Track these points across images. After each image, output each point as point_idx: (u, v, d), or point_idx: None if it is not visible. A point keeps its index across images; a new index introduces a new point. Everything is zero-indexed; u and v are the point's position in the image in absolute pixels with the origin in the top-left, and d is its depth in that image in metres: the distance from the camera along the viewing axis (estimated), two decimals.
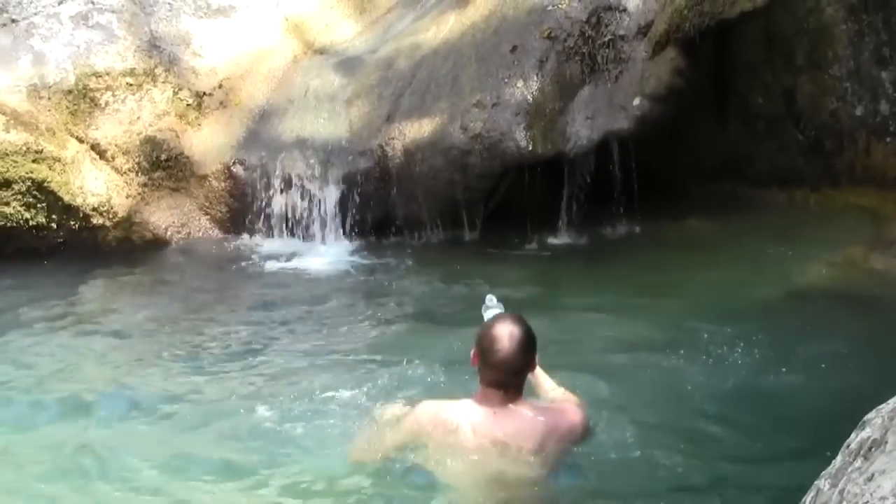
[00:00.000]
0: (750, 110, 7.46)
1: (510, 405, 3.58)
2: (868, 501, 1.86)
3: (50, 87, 7.57)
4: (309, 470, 3.97)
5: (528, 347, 3.59)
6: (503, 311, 3.97)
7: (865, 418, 2.16)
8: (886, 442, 2.00)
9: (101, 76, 7.75)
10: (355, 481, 3.82)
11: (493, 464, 3.58)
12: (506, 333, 3.55)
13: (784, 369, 4.83)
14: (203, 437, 4.40)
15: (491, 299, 4.05)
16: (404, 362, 4.74)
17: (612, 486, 3.77)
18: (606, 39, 7.53)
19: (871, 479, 1.91)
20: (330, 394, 4.66)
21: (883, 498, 1.83)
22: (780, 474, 3.68)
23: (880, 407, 2.15)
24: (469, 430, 3.60)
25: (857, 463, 2.02)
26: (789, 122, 7.27)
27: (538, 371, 3.88)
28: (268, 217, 7.77)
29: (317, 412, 4.46)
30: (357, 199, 7.66)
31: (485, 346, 3.56)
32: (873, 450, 2.01)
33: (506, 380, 3.58)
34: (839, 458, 2.12)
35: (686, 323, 5.60)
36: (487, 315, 3.94)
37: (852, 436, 2.15)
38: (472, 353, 3.67)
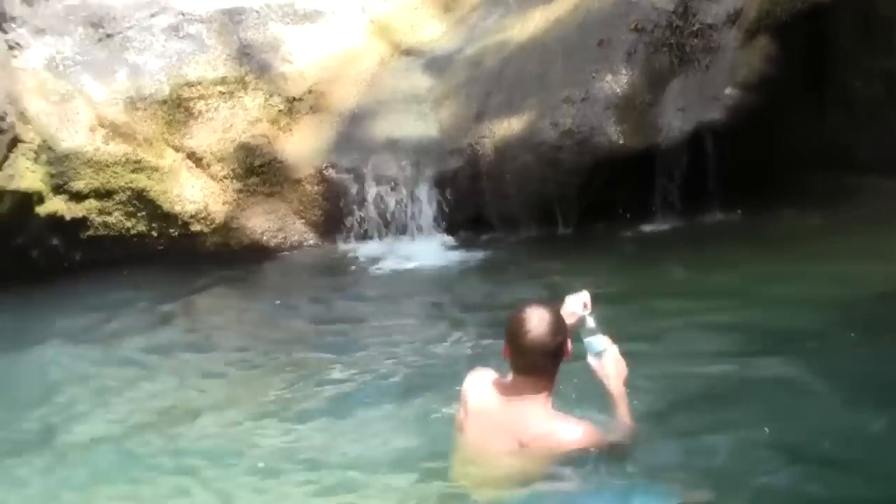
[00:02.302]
0: (848, 96, 7.35)
1: (530, 399, 3.50)
2: None
3: (146, 99, 7.75)
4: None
5: (557, 330, 3.49)
6: (602, 332, 3.76)
7: None
8: None
9: (193, 86, 7.91)
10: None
11: (483, 446, 3.55)
12: (534, 315, 3.48)
13: (881, 374, 4.43)
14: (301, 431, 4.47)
15: (590, 321, 3.81)
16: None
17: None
18: (695, 29, 7.52)
19: None
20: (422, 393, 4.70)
21: None
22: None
23: None
24: (478, 405, 3.59)
25: None
26: (891, 107, 7.10)
27: (613, 381, 3.69)
28: (362, 219, 7.83)
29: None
30: (450, 197, 7.70)
31: (513, 328, 3.49)
32: None
33: (534, 363, 3.50)
34: None
35: (784, 318, 5.33)
36: (589, 339, 3.72)
37: None
38: (504, 347, 3.59)
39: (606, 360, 3.66)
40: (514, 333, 3.50)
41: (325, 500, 3.86)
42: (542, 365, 3.52)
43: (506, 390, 3.59)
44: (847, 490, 3.49)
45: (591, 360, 3.60)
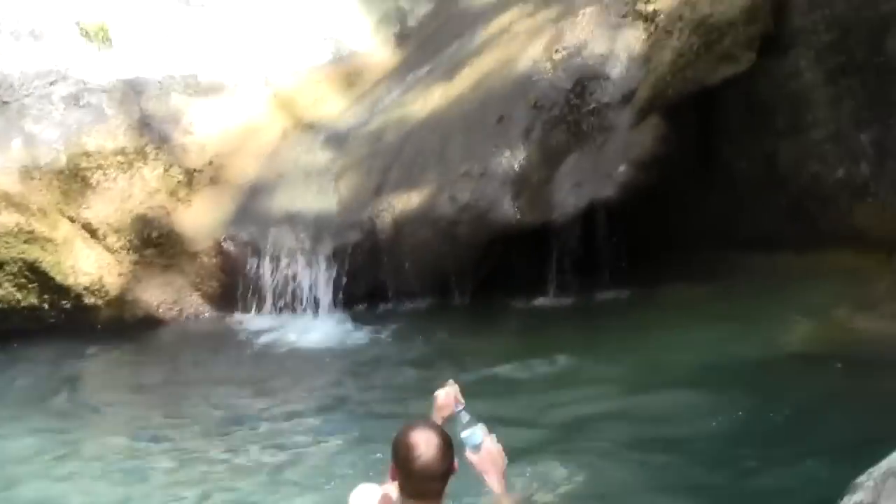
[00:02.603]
0: (733, 175, 7.48)
1: None
2: None
3: (41, 168, 7.67)
4: None
5: (446, 453, 3.37)
6: (480, 425, 3.74)
7: (857, 481, 2.15)
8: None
9: (91, 156, 7.83)
10: None
11: None
12: (422, 439, 3.35)
13: (770, 432, 4.86)
14: None
15: (464, 416, 3.82)
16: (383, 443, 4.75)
17: None
18: (591, 107, 7.58)
19: None
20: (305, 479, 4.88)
21: None
22: None
23: (871, 470, 2.14)
24: None
25: None
26: (772, 186, 7.30)
27: (494, 475, 3.68)
28: (258, 292, 7.81)
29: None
30: (347, 271, 7.67)
31: (402, 455, 3.37)
32: None
33: (426, 487, 3.40)
34: None
35: (669, 385, 5.63)
36: (465, 433, 3.70)
37: (844, 500, 2.13)
38: (389, 467, 3.49)
39: (484, 454, 3.62)
40: (403, 459, 3.38)
41: None
42: (433, 488, 3.41)
43: None
44: None
45: (469, 454, 3.58)
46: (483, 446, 3.58)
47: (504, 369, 6.31)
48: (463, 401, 3.71)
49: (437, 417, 3.74)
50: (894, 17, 6.70)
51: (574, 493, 4.48)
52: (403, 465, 3.34)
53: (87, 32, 8.16)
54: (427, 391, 5.72)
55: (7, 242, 7.47)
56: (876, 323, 6.12)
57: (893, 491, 2.04)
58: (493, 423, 4.20)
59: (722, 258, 7.21)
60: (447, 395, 3.77)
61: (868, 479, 2.12)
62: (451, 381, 3.82)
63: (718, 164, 7.55)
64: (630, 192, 7.27)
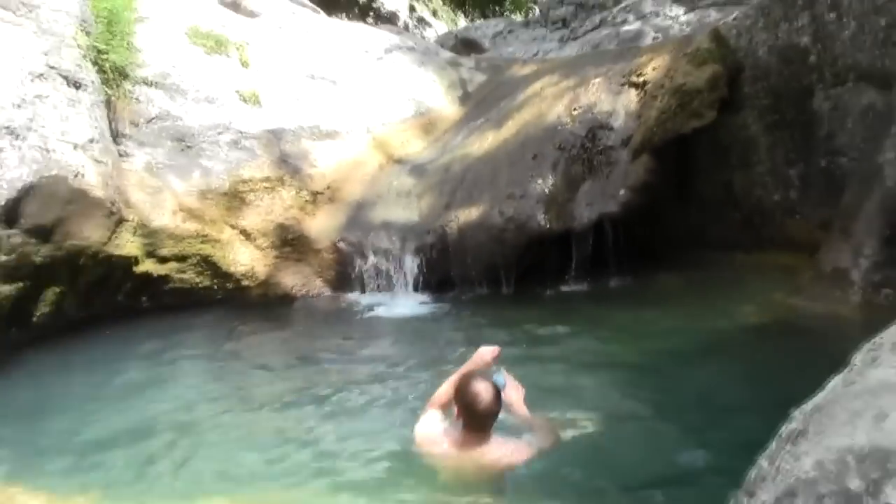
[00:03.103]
0: (702, 197, 7.87)
1: (481, 438, 3.67)
2: (796, 474, 1.89)
3: (213, 191, 8.02)
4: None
5: (498, 399, 3.65)
6: (503, 370, 3.95)
7: (792, 414, 2.20)
8: (808, 431, 2.02)
9: (247, 182, 8.19)
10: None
11: (460, 472, 3.70)
12: (482, 389, 3.62)
13: (730, 380, 5.15)
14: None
15: (496, 369, 3.99)
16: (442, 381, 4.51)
17: (578, 477, 3.82)
18: (600, 149, 8.07)
19: (797, 458, 1.94)
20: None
21: (806, 472, 1.87)
22: (731, 457, 3.19)
23: (802, 406, 2.18)
24: (448, 446, 3.73)
25: (787, 447, 2.04)
26: (729, 205, 7.67)
27: (518, 405, 3.92)
28: (362, 278, 8.09)
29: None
30: (425, 264, 7.95)
31: (468, 401, 3.59)
32: (798, 437, 2.04)
33: (484, 423, 3.65)
34: (774, 443, 2.16)
35: (657, 341, 5.96)
36: (495, 377, 3.87)
37: (783, 427, 2.17)
38: (455, 410, 3.69)
39: (508, 390, 3.87)
40: (469, 404, 3.61)
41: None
42: (489, 423, 3.68)
43: (462, 443, 3.65)
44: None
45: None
46: (507, 384, 3.90)
47: (537, 332, 6.52)
48: (498, 356, 4.02)
49: (474, 363, 3.98)
50: (812, 88, 7.03)
51: (581, 411, 4.58)
52: (469, 408, 3.61)
53: (244, 97, 8.54)
54: (478, 345, 4.99)
55: (190, 243, 7.73)
56: (802, 303, 6.46)
57: (819, 419, 2.04)
58: (529, 363, 4.79)
59: (694, 256, 7.58)
60: (487, 351, 4.05)
61: (799, 413, 2.15)
62: (495, 347, 4.08)
63: (691, 189, 7.91)
64: (629, 209, 7.70)
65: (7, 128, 6.30)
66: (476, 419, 3.59)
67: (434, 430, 3.79)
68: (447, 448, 3.67)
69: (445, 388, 3.93)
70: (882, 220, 6.12)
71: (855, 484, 1.75)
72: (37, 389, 5.83)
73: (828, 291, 6.32)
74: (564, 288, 7.84)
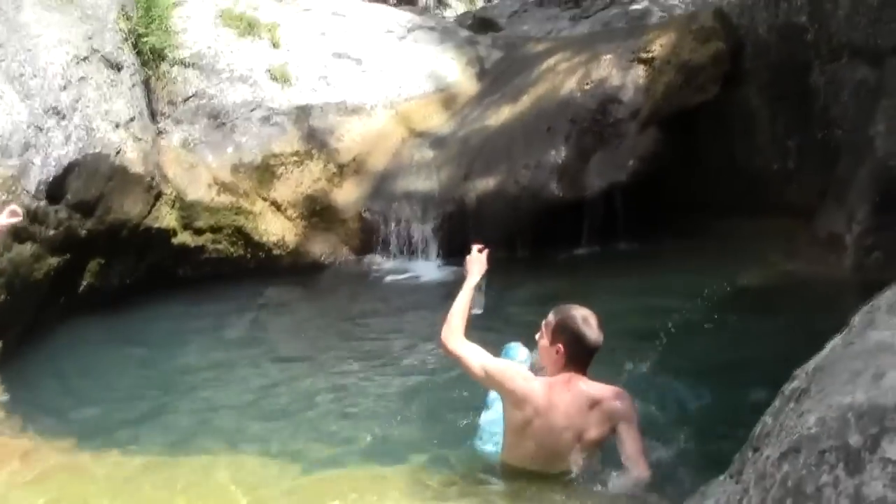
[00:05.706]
0: (706, 166, 7.91)
1: (581, 378, 3.18)
2: (799, 431, 1.90)
3: (245, 165, 8.11)
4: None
5: (602, 326, 3.12)
6: (519, 344, 3.82)
7: (794, 373, 2.20)
8: (810, 390, 2.03)
9: (277, 156, 8.22)
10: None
11: (551, 420, 3.17)
12: (591, 320, 3.09)
13: (733, 339, 5.25)
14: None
15: (516, 345, 3.83)
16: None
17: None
18: (610, 121, 8.09)
19: (800, 415, 1.95)
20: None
21: (809, 428, 1.88)
22: (736, 413, 3.78)
23: (804, 365, 2.18)
24: (542, 390, 3.15)
25: (791, 405, 2.06)
26: (732, 174, 7.74)
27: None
28: (386, 245, 8.18)
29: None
30: (445, 231, 8.01)
31: (577, 334, 3.06)
32: (801, 395, 2.05)
33: (589, 360, 3.16)
34: (778, 401, 2.17)
35: (664, 297, 6.05)
36: (511, 347, 3.78)
37: (786, 385, 2.18)
38: (556, 347, 3.13)
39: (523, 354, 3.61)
40: (577, 338, 3.06)
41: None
42: (589, 360, 3.19)
43: (567, 387, 3.10)
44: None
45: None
46: (519, 351, 3.85)
47: (552, 288, 6.64)
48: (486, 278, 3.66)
49: (478, 272, 3.60)
50: (810, 64, 7.19)
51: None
52: (577, 341, 3.09)
53: (274, 76, 8.54)
54: (498, 307, 5.40)
55: (224, 214, 7.87)
56: (798, 265, 6.66)
57: (820, 379, 2.04)
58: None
59: (699, 222, 7.56)
60: (476, 255, 3.63)
61: (802, 372, 2.16)
62: (476, 245, 3.65)
63: (696, 159, 7.91)
64: (637, 178, 7.78)
65: (54, 108, 6.37)
66: (582, 354, 3.11)
67: (518, 365, 3.31)
68: (544, 384, 3.14)
69: (461, 308, 3.45)
70: (873, 188, 6.26)
71: (854, 439, 1.77)
72: (81, 354, 6.07)
73: (823, 255, 6.46)
74: (577, 252, 7.95)
